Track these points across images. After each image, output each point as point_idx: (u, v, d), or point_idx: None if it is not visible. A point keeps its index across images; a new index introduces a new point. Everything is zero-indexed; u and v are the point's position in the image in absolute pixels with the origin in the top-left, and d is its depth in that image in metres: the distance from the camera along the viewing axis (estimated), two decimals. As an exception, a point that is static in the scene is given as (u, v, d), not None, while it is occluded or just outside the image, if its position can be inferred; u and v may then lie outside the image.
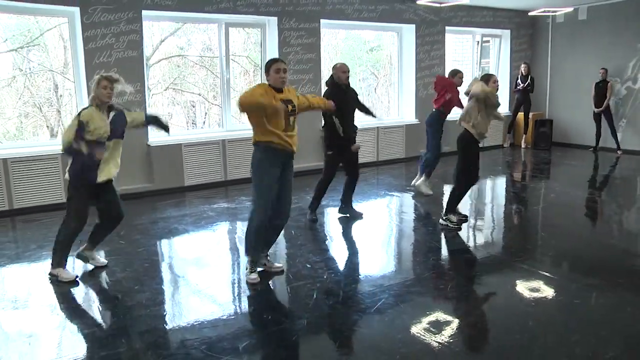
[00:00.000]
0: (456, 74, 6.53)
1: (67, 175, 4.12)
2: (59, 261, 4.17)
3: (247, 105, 3.85)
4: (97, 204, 4.26)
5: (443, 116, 6.56)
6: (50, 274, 4.20)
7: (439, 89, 6.50)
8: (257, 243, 4.09)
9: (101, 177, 4.12)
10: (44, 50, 7.30)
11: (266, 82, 4.00)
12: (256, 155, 4.01)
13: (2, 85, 6.99)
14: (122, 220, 4.39)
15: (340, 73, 5.46)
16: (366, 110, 5.91)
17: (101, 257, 4.51)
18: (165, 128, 4.50)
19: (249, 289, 3.96)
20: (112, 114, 4.18)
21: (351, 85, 5.67)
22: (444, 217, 5.38)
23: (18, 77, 7.16)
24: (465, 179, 5.25)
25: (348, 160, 5.61)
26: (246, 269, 4.12)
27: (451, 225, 5.30)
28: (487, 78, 5.46)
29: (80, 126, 3.97)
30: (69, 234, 4.16)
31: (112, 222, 4.38)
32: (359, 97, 5.86)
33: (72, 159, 4.07)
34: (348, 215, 5.80)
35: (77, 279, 4.17)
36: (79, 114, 4.06)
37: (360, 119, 5.95)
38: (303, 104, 4.26)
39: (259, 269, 4.15)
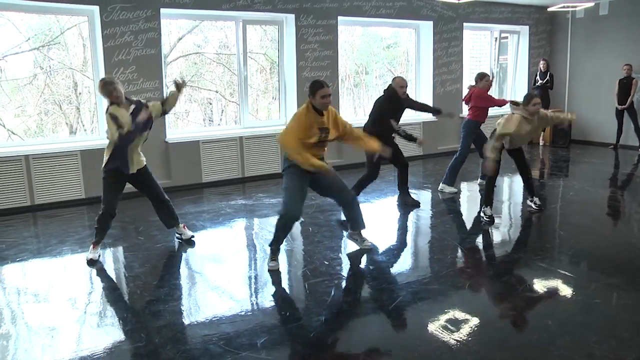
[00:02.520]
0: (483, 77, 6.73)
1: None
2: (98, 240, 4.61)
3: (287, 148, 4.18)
4: (141, 191, 4.83)
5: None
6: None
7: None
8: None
9: (133, 168, 4.52)
10: (64, 49, 7.40)
11: (308, 105, 4.14)
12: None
13: (24, 83, 7.11)
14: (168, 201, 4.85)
15: (399, 88, 5.76)
16: (427, 109, 6.49)
17: (188, 231, 5.06)
18: (178, 87, 4.63)
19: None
20: (132, 107, 4.44)
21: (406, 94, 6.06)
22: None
23: (39, 75, 7.27)
24: None
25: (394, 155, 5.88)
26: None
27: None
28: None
29: (114, 117, 4.30)
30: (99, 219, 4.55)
31: (159, 203, 4.82)
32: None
33: (113, 153, 4.42)
34: (406, 202, 6.22)
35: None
36: (107, 110, 4.36)
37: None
38: (349, 135, 4.40)
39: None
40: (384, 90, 5.91)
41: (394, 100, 5.80)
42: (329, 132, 4.21)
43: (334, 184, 4.39)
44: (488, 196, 5.57)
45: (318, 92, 4.04)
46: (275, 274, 4.25)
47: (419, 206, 6.14)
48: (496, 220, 5.61)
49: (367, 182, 5.97)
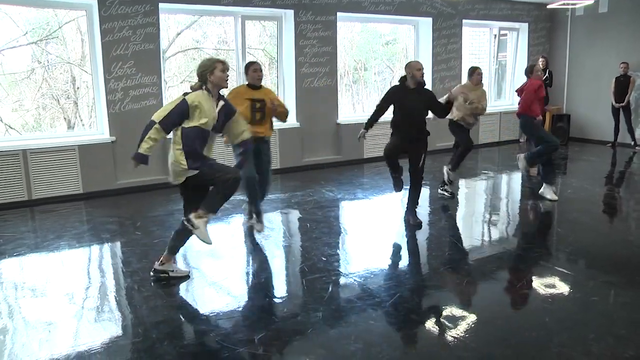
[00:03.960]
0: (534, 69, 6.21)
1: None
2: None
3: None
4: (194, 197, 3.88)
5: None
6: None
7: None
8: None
9: None
10: (62, 43, 7.37)
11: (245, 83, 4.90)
12: None
13: (22, 77, 7.08)
14: None
15: (416, 71, 5.14)
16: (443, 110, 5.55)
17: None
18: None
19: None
20: (221, 102, 3.79)
21: (425, 87, 5.35)
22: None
23: (37, 69, 7.24)
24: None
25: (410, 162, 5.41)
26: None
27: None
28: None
29: (183, 110, 3.56)
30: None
31: None
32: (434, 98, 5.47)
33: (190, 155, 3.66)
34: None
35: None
36: (185, 95, 3.64)
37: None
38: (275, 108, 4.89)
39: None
40: (422, 83, 5.25)
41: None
42: (262, 103, 4.82)
43: (263, 163, 5.09)
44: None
45: (250, 68, 4.84)
46: (273, 270, 4.26)
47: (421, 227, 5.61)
48: (494, 218, 5.61)
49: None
